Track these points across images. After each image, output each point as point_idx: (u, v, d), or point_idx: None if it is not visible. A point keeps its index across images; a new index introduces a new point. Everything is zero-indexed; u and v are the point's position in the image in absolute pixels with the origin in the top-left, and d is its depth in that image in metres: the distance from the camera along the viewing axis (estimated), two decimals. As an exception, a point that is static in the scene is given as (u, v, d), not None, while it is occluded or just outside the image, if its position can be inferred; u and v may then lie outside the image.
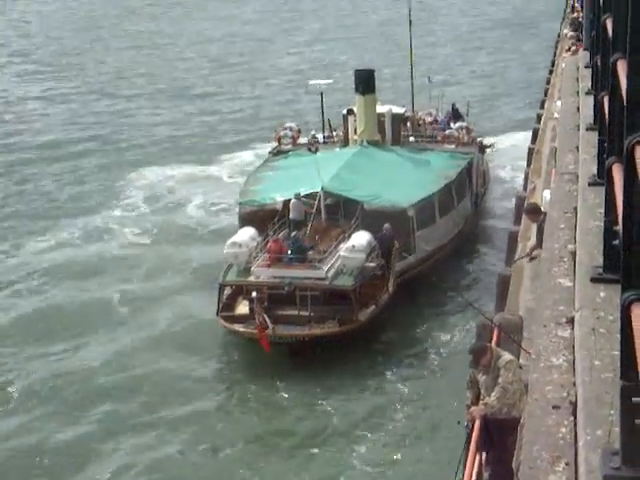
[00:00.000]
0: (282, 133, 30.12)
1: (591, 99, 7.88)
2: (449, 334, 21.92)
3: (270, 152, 29.95)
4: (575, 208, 6.15)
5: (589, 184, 5.90)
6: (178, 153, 39.41)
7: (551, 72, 37.17)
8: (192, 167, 36.89)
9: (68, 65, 63.08)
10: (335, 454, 17.04)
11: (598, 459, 3.00)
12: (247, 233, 22.46)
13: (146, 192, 33.63)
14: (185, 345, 21.29)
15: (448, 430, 16.38)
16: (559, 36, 42.59)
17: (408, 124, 30.06)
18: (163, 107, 49.33)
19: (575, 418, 3.70)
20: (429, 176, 26.09)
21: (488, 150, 31.81)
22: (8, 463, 16.89)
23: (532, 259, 11.74)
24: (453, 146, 28.73)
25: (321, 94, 30.30)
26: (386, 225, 22.73)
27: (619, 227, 3.32)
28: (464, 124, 30.21)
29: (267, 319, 19.89)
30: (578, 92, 10.30)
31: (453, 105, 33.13)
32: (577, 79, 11.49)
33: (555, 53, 39.96)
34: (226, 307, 21.70)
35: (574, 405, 3.78)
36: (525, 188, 23.22)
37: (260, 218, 24.14)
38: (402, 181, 25.30)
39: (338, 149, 28.71)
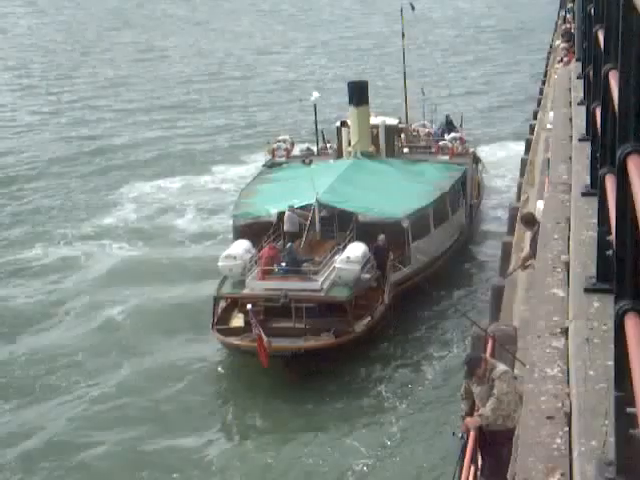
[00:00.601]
0: (275, 146, 30.15)
1: (583, 110, 7.91)
2: (444, 345, 21.93)
3: (264, 165, 29.98)
4: (568, 218, 6.16)
5: (582, 194, 5.91)
6: (171, 165, 39.45)
7: (544, 83, 37.34)
8: (184, 179, 36.93)
9: (60, 78, 63.12)
10: (331, 466, 16.97)
11: (593, 470, 3.00)
12: (241, 246, 22.44)
13: (138, 204, 33.62)
14: (177, 357, 21.20)
15: (443, 441, 16.35)
16: (551, 47, 42.80)
17: (402, 135, 30.13)
18: (155, 119, 49.35)
19: (570, 429, 3.69)
20: (423, 187, 26.14)
21: (480, 166, 31.91)
22: None
23: (526, 268, 11.75)
24: (447, 157, 28.77)
25: (314, 106, 30.36)
26: (381, 236, 22.75)
27: (612, 237, 3.32)
28: (458, 135, 30.29)
29: (262, 332, 19.80)
30: (570, 103, 10.33)
31: (447, 116, 33.24)
32: (569, 90, 11.53)
33: (547, 64, 40.15)
34: (221, 320, 21.64)
35: (569, 416, 3.77)
36: (518, 198, 23.27)
37: (254, 230, 24.15)
38: (396, 192, 25.34)
39: (332, 161, 28.75)
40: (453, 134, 30.37)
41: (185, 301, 24.38)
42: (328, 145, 30.82)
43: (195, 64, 68.24)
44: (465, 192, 28.37)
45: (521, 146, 32.39)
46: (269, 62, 68.37)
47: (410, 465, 16.92)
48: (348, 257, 21.38)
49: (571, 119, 9.32)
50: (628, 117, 3.10)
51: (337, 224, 24.63)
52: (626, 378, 2.73)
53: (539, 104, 33.19)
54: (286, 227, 24.11)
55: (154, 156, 41.24)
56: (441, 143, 29.47)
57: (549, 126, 15.92)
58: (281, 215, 24.40)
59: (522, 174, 25.73)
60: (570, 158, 7.69)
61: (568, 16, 32.26)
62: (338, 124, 29.44)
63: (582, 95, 8.83)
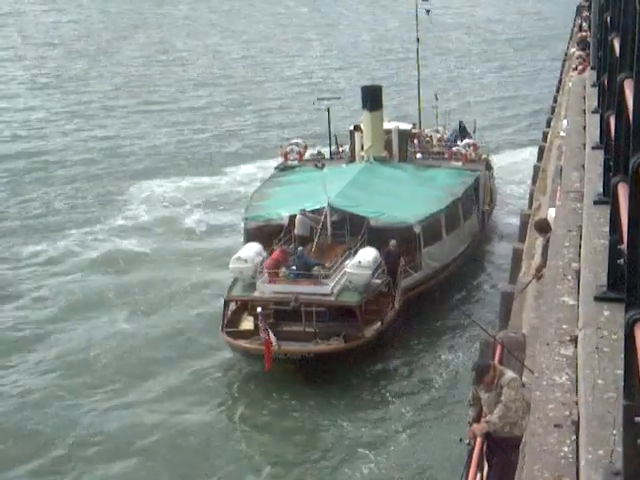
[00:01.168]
0: (288, 149, 30.21)
1: (597, 118, 7.89)
2: (453, 351, 21.88)
3: (276, 167, 30.03)
4: (580, 226, 6.14)
5: (594, 202, 5.89)
6: (181, 166, 39.59)
7: (558, 90, 37.25)
8: (195, 179, 37.05)
9: (74, 78, 63.41)
10: (337, 470, 16.96)
11: (600, 479, 2.98)
12: (252, 248, 22.44)
13: (148, 204, 33.73)
14: (187, 360, 21.23)
15: (450, 447, 16.31)
16: (566, 55, 42.70)
17: (415, 141, 30.13)
18: (167, 120, 49.52)
19: (577, 437, 3.68)
20: (436, 193, 26.10)
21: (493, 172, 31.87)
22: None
23: (539, 278, 11.70)
24: (460, 163, 28.74)
25: (328, 110, 30.40)
26: (392, 241, 22.71)
27: (624, 246, 3.31)
28: (471, 141, 30.26)
29: (272, 336, 19.79)
30: (585, 111, 10.31)
31: (460, 122, 33.22)
32: (584, 98, 11.50)
33: (562, 72, 40.06)
34: (230, 323, 21.66)
35: (576, 424, 3.76)
36: (530, 206, 23.22)
37: (266, 233, 24.13)
38: (409, 198, 25.32)
39: (345, 165, 28.75)
40: (467, 140, 30.35)
41: (194, 302, 24.43)
42: (341, 149, 30.83)
43: (209, 66, 68.42)
44: (478, 198, 28.32)
45: (534, 153, 32.32)
46: (284, 65, 68.49)
47: (416, 470, 16.90)
48: (359, 262, 21.34)
49: (585, 127, 9.29)
50: (642, 126, 3.10)
51: (348, 228, 24.61)
52: (635, 387, 2.72)
53: (553, 112, 33.13)
54: (297, 231, 24.10)
55: (166, 157, 41.38)
56: (454, 149, 29.45)
57: (562, 134, 15.90)
58: (292, 218, 24.36)
59: (534, 181, 25.68)
60: (583, 166, 7.67)
61: (584, 24, 32.18)
62: (351, 128, 29.45)
63: (596, 103, 8.81)
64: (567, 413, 3.89)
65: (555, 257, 5.86)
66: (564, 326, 4.70)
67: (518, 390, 8.63)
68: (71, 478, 16.78)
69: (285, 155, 30.09)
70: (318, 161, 29.18)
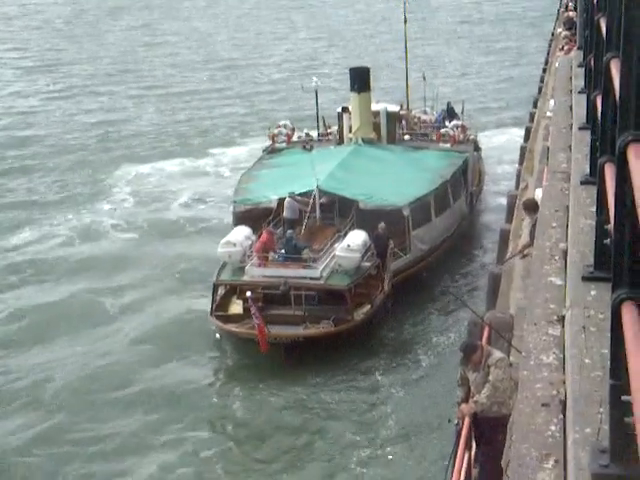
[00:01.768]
0: (276, 131, 30.07)
1: (584, 98, 7.89)
2: (442, 332, 21.96)
3: (264, 150, 29.90)
4: (567, 207, 6.16)
5: (581, 183, 5.91)
6: (168, 149, 39.42)
7: (545, 71, 37.22)
8: (182, 162, 36.92)
9: (55, 60, 62.92)
10: (328, 453, 17.05)
11: (587, 456, 3.01)
12: (241, 232, 22.41)
13: (135, 187, 33.59)
14: (176, 345, 21.15)
15: (439, 428, 16.43)
16: (553, 35, 42.65)
17: (403, 122, 30.06)
18: (153, 103, 49.25)
19: (564, 416, 3.70)
20: (424, 175, 26.08)
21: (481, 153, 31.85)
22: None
23: (524, 256, 11.75)
24: (448, 145, 28.72)
25: (315, 92, 30.28)
26: (381, 224, 22.68)
27: (610, 226, 3.32)
28: (459, 122, 30.20)
29: (262, 319, 19.76)
30: (571, 91, 10.31)
31: (448, 103, 33.14)
32: (570, 78, 11.50)
33: (549, 52, 40.02)
34: (219, 307, 21.63)
35: (564, 403, 3.79)
36: (517, 186, 23.26)
37: (254, 217, 24.09)
38: (397, 180, 25.30)
39: (333, 147, 28.69)
40: (455, 121, 30.31)
41: (182, 286, 24.38)
42: (329, 130, 30.74)
43: (195, 48, 68.00)
44: (466, 180, 28.33)
45: (522, 132, 32.32)
46: (270, 47, 68.12)
47: (405, 451, 16.99)
48: (348, 245, 21.34)
49: (571, 107, 9.30)
50: (629, 106, 3.09)
51: (337, 211, 24.60)
52: (622, 366, 2.74)
53: (539, 92, 33.11)
54: (286, 214, 24.06)
55: (152, 139, 41.21)
56: (442, 130, 29.38)
57: (549, 114, 15.91)
58: (281, 201, 24.32)
59: (521, 162, 25.70)
60: (570, 146, 7.68)
61: (570, 4, 32.10)
62: (339, 110, 29.38)
63: (583, 83, 8.81)
64: (554, 392, 3.92)
65: (542, 237, 5.88)
66: (551, 306, 4.72)
67: (506, 370, 8.67)
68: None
69: (273, 137, 29.96)
70: (306, 143, 29.11)
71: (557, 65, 17.48)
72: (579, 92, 8.87)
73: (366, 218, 23.18)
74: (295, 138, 29.92)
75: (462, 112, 32.74)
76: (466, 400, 9.07)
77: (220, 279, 21.71)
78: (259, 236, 22.35)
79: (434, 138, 29.27)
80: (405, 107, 31.40)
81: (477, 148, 30.74)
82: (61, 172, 36.12)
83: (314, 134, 30.43)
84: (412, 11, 35.17)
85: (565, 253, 5.28)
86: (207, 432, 17.96)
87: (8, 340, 21.57)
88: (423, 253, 24.50)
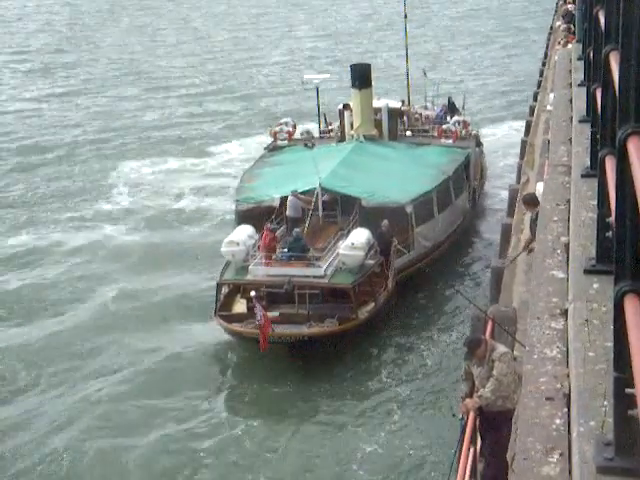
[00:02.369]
0: (278, 128, 30.03)
1: (584, 91, 7.88)
2: (446, 328, 21.97)
3: (266, 148, 29.87)
4: (568, 200, 6.15)
5: (582, 176, 5.90)
6: (168, 146, 39.49)
7: (544, 64, 37.16)
8: (182, 160, 36.92)
9: (55, 61, 62.96)
10: (334, 449, 17.05)
11: (592, 450, 3.01)
12: (244, 231, 22.35)
13: (135, 185, 33.64)
14: (179, 343, 21.14)
15: (444, 423, 16.43)
16: (552, 28, 42.56)
17: (405, 118, 30.01)
18: (153, 101, 49.35)
19: (569, 409, 3.70)
20: (427, 171, 26.04)
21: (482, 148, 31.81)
22: None
23: (530, 252, 11.73)
24: (450, 141, 28.67)
25: (317, 89, 30.26)
26: (384, 222, 22.64)
27: (612, 219, 3.32)
28: (461, 118, 30.13)
29: (267, 319, 19.71)
30: (571, 84, 10.29)
31: (449, 98, 33.07)
32: (570, 71, 11.48)
33: (548, 45, 39.97)
34: (223, 306, 21.60)
35: (568, 396, 3.79)
36: (518, 180, 23.23)
37: (257, 215, 24.01)
38: (400, 177, 25.26)
39: (335, 144, 28.65)
40: (456, 117, 30.24)
41: (184, 285, 24.36)
42: (330, 127, 30.70)
43: (195, 47, 68.02)
44: (468, 176, 28.28)
45: (522, 125, 32.29)
46: (271, 45, 68.10)
47: (411, 446, 16.98)
48: (352, 243, 21.29)
49: (571, 100, 9.29)
50: (629, 98, 3.09)
51: (340, 209, 24.56)
52: (625, 359, 2.74)
53: (539, 86, 33.07)
54: (289, 212, 24.02)
55: (152, 138, 41.25)
56: (444, 126, 29.31)
57: (549, 107, 15.87)
58: (284, 200, 24.26)
59: (522, 156, 25.67)
60: (570, 140, 7.67)
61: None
62: (341, 107, 29.33)
63: (582, 76, 8.79)
64: (558, 386, 3.91)
65: (544, 231, 5.88)
66: (554, 299, 4.72)
67: (510, 364, 8.67)
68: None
69: (274, 135, 29.93)
70: (308, 140, 29.07)
71: (556, 58, 17.44)
72: (579, 85, 8.85)
73: (369, 216, 23.14)
74: (297, 135, 29.89)
75: (463, 106, 32.68)
76: (471, 395, 9.07)
77: (224, 278, 21.67)
78: (261, 235, 22.33)
79: (436, 134, 29.21)
80: (406, 102, 31.35)
81: (479, 143, 30.69)
82: (59, 171, 36.15)
83: (315, 131, 30.35)
84: (413, 8, 35.08)
85: (567, 246, 5.28)
86: (207, 430, 17.95)
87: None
88: (426, 250, 24.46)
